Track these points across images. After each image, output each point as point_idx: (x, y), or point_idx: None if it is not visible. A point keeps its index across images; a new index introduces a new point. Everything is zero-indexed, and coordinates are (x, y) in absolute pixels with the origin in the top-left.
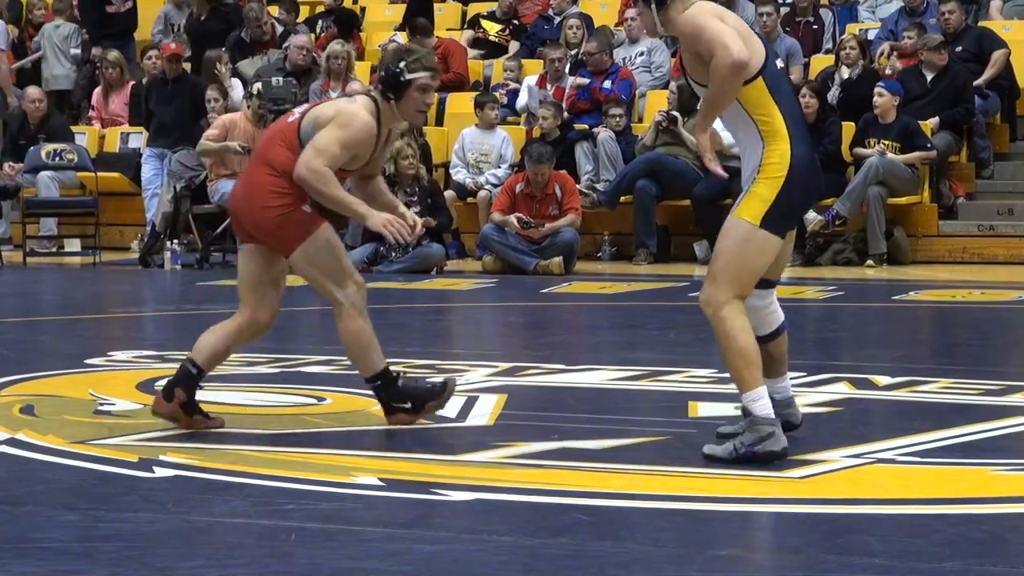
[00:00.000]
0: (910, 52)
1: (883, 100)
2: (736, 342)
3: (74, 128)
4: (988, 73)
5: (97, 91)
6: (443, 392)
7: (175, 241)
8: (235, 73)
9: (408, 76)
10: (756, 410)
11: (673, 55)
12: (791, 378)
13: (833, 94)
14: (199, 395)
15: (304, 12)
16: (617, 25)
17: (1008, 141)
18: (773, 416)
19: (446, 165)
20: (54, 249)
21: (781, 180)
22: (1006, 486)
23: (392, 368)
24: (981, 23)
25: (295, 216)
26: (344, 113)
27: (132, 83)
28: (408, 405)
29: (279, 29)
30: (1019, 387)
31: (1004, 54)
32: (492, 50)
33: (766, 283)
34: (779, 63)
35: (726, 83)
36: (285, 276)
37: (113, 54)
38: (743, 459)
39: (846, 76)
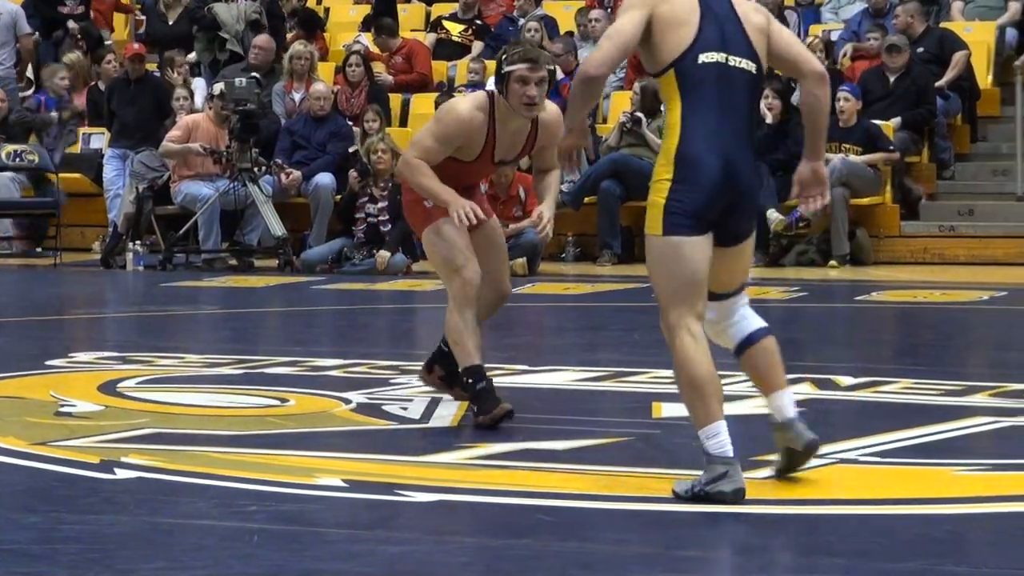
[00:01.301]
0: (873, 53)
1: (848, 105)
2: (685, 373)
3: None
4: (949, 74)
5: None
6: (490, 413)
7: (137, 242)
8: (210, 19)
9: (507, 68)
10: (709, 448)
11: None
12: None
13: (798, 95)
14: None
15: None
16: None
17: (969, 142)
18: (730, 455)
19: None
20: (14, 250)
21: (668, 182)
22: (967, 486)
23: (484, 368)
24: (943, 24)
25: (418, 208)
26: (443, 108)
27: (91, 84)
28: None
29: None
30: (980, 388)
31: (965, 55)
32: (456, 51)
33: (712, 295)
34: (732, 59)
35: (575, 87)
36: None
37: (72, 56)
38: (696, 497)
39: None
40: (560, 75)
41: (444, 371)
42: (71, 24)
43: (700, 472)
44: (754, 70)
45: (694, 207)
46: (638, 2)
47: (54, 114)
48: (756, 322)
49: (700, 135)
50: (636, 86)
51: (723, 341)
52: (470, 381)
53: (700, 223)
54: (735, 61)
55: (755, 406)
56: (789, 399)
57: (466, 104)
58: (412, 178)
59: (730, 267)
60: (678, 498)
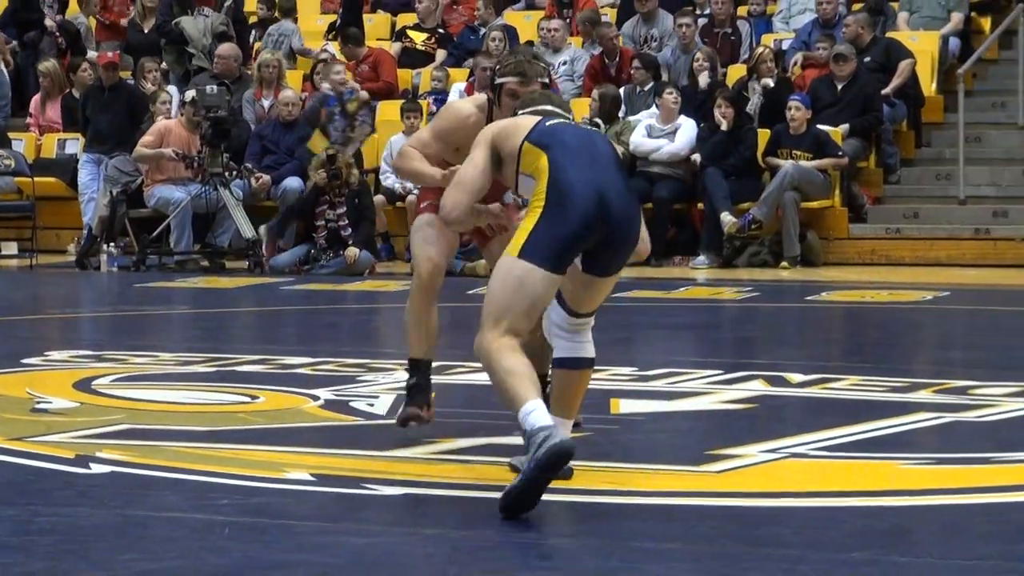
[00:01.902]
0: (823, 62)
1: (799, 113)
2: (501, 363)
3: (11, 134)
4: (895, 82)
5: (35, 99)
6: (407, 413)
7: (111, 244)
8: (177, 33)
9: (499, 80)
10: (527, 424)
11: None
12: (708, 377)
13: (755, 103)
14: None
15: None
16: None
17: (914, 147)
18: (549, 423)
19: (376, 171)
20: None
21: (539, 210)
22: (912, 479)
23: (428, 363)
24: (889, 34)
25: (418, 208)
26: (445, 105)
27: (66, 91)
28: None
29: None
30: (924, 384)
31: (910, 64)
32: (420, 59)
33: (569, 310)
34: (579, 121)
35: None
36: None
37: (48, 64)
38: (531, 481)
39: (771, 86)
40: None
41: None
42: (48, 22)
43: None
44: (602, 133)
45: (557, 239)
46: (481, 139)
47: (336, 108)
48: (589, 350)
49: (570, 171)
50: (595, 93)
51: (553, 343)
52: (406, 370)
53: (558, 258)
54: (583, 123)
55: (710, 402)
56: (568, 430)
57: (468, 103)
58: (402, 164)
59: (593, 295)
60: (514, 470)
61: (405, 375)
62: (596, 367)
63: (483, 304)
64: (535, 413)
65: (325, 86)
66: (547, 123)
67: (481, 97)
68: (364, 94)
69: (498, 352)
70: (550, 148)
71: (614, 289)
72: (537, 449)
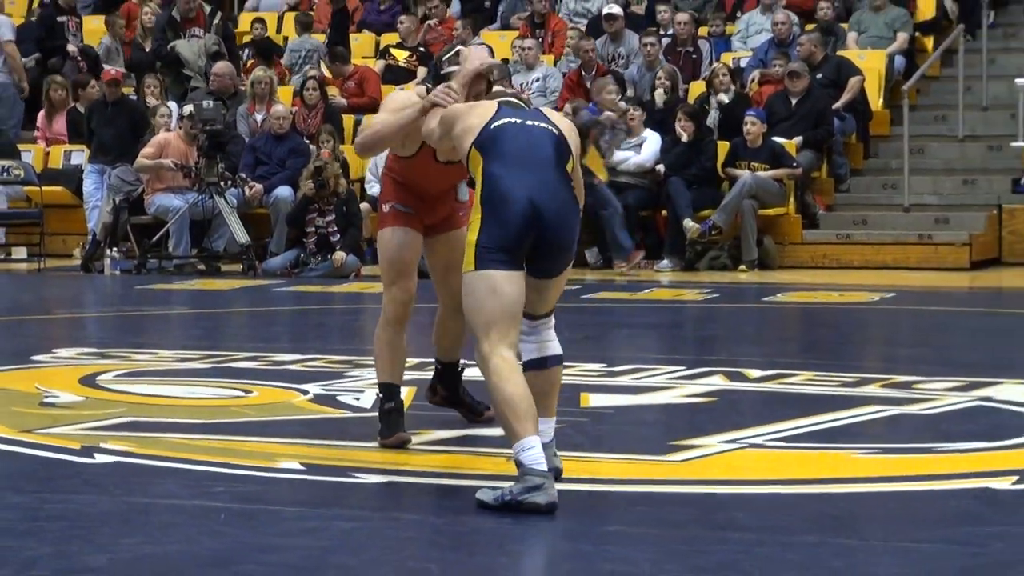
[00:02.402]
0: (778, 79)
1: (755, 128)
2: (501, 393)
3: (21, 146)
4: (845, 97)
5: (41, 113)
6: (387, 439)
7: (114, 249)
8: (173, 56)
9: (446, 69)
10: (525, 460)
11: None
12: (671, 373)
13: (713, 117)
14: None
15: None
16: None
17: (863, 158)
18: (544, 468)
19: (362, 180)
20: (2, 256)
21: (478, 222)
22: (860, 468)
23: (397, 389)
24: (840, 52)
25: (379, 210)
26: (389, 96)
27: (71, 106)
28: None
29: (207, 9)
30: (872, 379)
31: (859, 80)
32: (402, 75)
33: (525, 315)
34: (530, 122)
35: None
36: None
37: (59, 78)
38: (508, 506)
39: (726, 101)
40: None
41: (446, 391)
42: (70, 48)
43: (513, 482)
44: (555, 132)
45: (503, 239)
46: (445, 117)
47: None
48: (554, 348)
49: (503, 179)
50: (567, 107)
51: (521, 351)
52: (380, 396)
53: (510, 257)
54: (532, 123)
55: (673, 396)
56: (551, 427)
57: (408, 94)
58: (364, 140)
59: (542, 296)
60: (484, 507)
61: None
62: (567, 363)
63: (467, 320)
64: (531, 452)
65: (586, 108)
66: (494, 124)
67: (421, 89)
68: (622, 104)
69: (497, 375)
70: (487, 156)
71: (585, 291)
72: (525, 493)
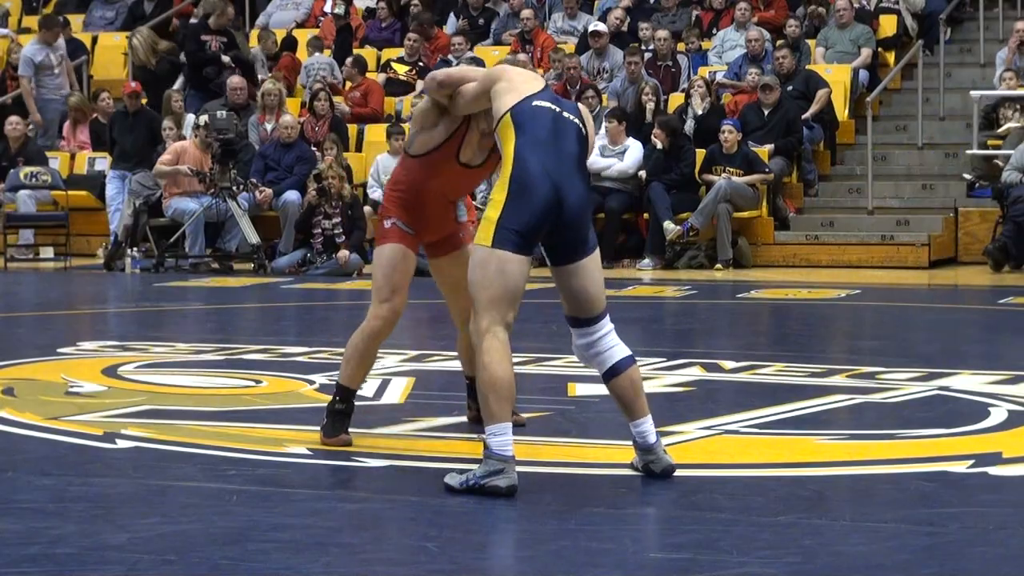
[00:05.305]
0: (751, 90)
1: (731, 136)
2: (489, 373)
3: (48, 153)
4: (813, 108)
5: (67, 124)
6: (330, 438)
7: (134, 249)
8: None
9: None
10: (491, 444)
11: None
12: (652, 364)
13: (689, 127)
14: (159, 378)
15: None
16: None
17: (830, 165)
18: (509, 453)
19: (364, 185)
20: (31, 256)
21: (502, 201)
22: (828, 453)
23: (353, 395)
24: (809, 66)
25: (380, 225)
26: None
27: (93, 117)
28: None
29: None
30: (839, 370)
31: (827, 92)
32: (402, 88)
33: (575, 321)
34: (565, 114)
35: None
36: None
37: (76, 98)
38: (471, 489)
39: (699, 113)
40: None
41: (476, 409)
42: (224, 58)
43: (477, 466)
44: (582, 128)
45: (523, 224)
46: (488, 77)
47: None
48: (621, 351)
49: (534, 164)
50: None
51: (592, 366)
52: (336, 397)
53: (525, 242)
54: (568, 115)
55: (654, 386)
56: (650, 425)
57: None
58: (412, 139)
59: (575, 286)
60: (451, 491)
61: (388, 362)
62: (557, 355)
63: (470, 292)
64: (500, 438)
65: None
66: (533, 102)
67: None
68: None
69: (488, 354)
70: (521, 134)
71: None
72: (487, 477)
